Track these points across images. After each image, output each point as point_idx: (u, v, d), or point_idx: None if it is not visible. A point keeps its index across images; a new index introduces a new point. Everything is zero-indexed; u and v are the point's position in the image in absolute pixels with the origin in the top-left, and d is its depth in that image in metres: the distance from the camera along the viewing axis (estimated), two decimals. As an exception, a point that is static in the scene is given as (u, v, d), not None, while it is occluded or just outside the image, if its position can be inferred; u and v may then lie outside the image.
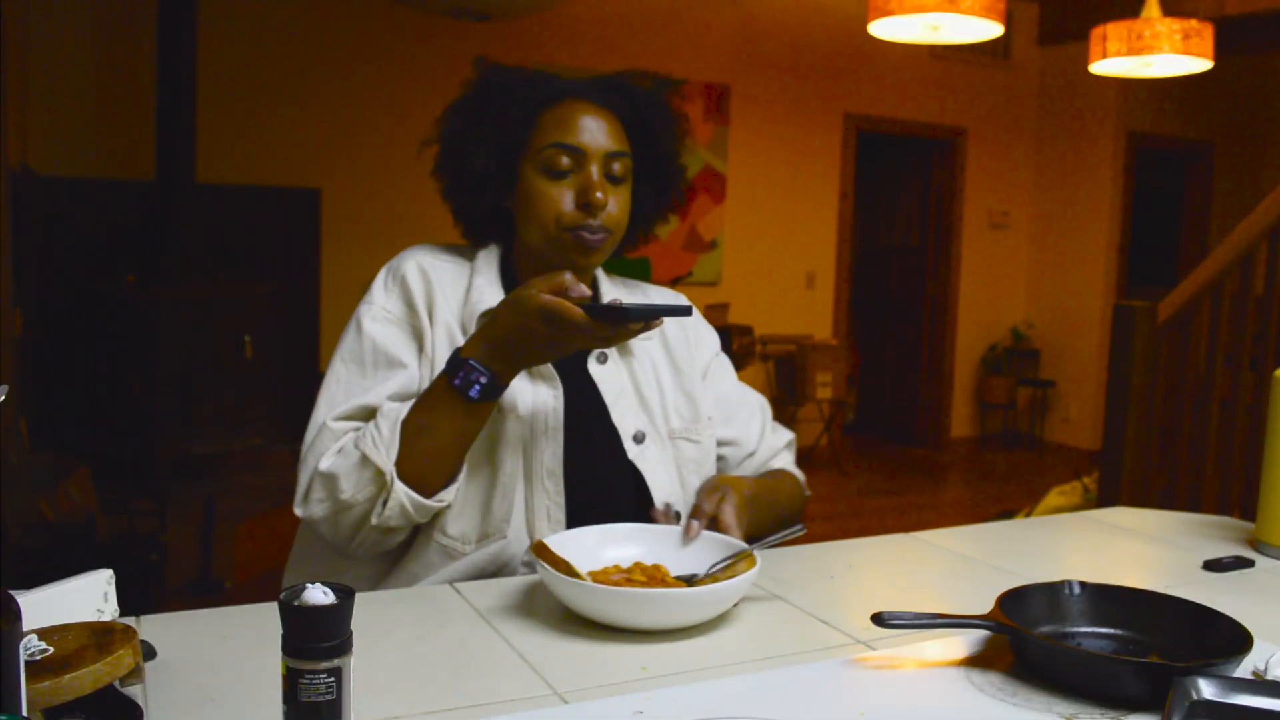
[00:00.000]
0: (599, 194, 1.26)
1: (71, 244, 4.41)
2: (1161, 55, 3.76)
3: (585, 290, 1.12)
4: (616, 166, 1.29)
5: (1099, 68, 3.98)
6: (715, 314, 5.75)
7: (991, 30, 3.30)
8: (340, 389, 1.26)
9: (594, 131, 1.28)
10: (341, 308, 5.49)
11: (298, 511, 1.23)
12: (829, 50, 6.28)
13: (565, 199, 1.27)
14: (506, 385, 1.19)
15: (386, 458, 1.16)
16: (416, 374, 1.27)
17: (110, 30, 4.54)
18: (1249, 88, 6.99)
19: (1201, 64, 3.86)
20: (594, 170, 1.28)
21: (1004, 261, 7.20)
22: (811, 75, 6.31)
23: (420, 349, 1.29)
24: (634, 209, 1.35)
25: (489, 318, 1.18)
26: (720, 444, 1.46)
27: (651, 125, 1.34)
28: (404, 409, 1.19)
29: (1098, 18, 4.13)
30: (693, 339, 1.46)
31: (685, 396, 1.42)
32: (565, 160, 1.27)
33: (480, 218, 1.36)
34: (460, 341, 1.28)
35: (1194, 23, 3.74)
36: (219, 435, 4.29)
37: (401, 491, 1.16)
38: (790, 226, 6.42)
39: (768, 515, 1.37)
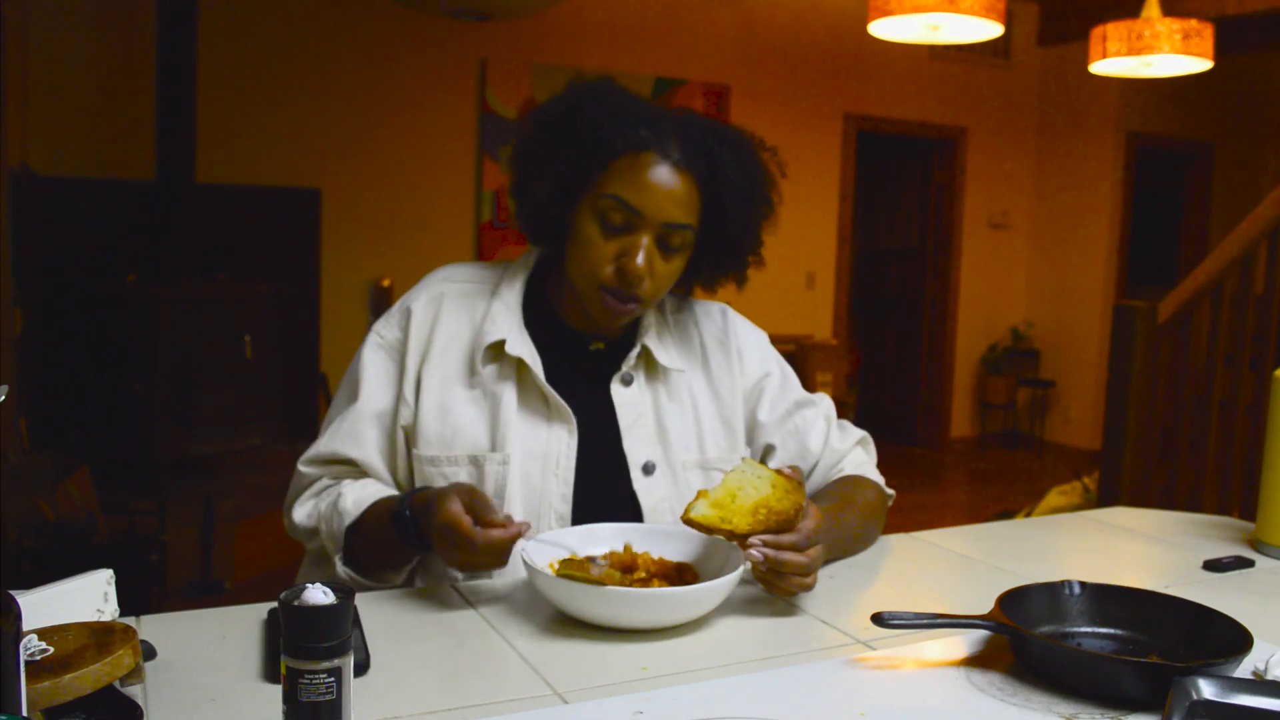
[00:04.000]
0: (639, 263, 1.20)
1: (71, 244, 4.41)
2: (1161, 55, 3.76)
3: (507, 522, 1.06)
4: (675, 238, 1.22)
5: (1099, 68, 3.98)
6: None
7: (991, 30, 3.30)
8: (334, 413, 1.30)
9: (659, 196, 1.20)
10: (341, 308, 5.52)
11: (284, 524, 1.31)
12: (829, 50, 6.28)
13: (607, 257, 1.21)
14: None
15: (334, 547, 1.21)
16: (391, 407, 1.27)
17: (110, 30, 4.54)
18: (1249, 88, 6.99)
19: (1201, 64, 3.86)
20: (645, 238, 1.21)
21: (1004, 261, 7.20)
22: (811, 75, 6.31)
23: (403, 380, 1.28)
24: (687, 273, 1.29)
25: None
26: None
27: (725, 203, 1.24)
28: (359, 506, 1.20)
29: (1098, 18, 4.13)
30: (736, 365, 1.39)
31: (724, 424, 1.36)
32: (620, 217, 1.21)
33: (538, 227, 1.32)
34: (461, 373, 1.27)
35: (1194, 23, 3.74)
36: (219, 435, 4.28)
37: (344, 574, 1.21)
38: (790, 226, 6.41)
39: (842, 541, 1.27)
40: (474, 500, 1.06)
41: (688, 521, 1.08)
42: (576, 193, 1.24)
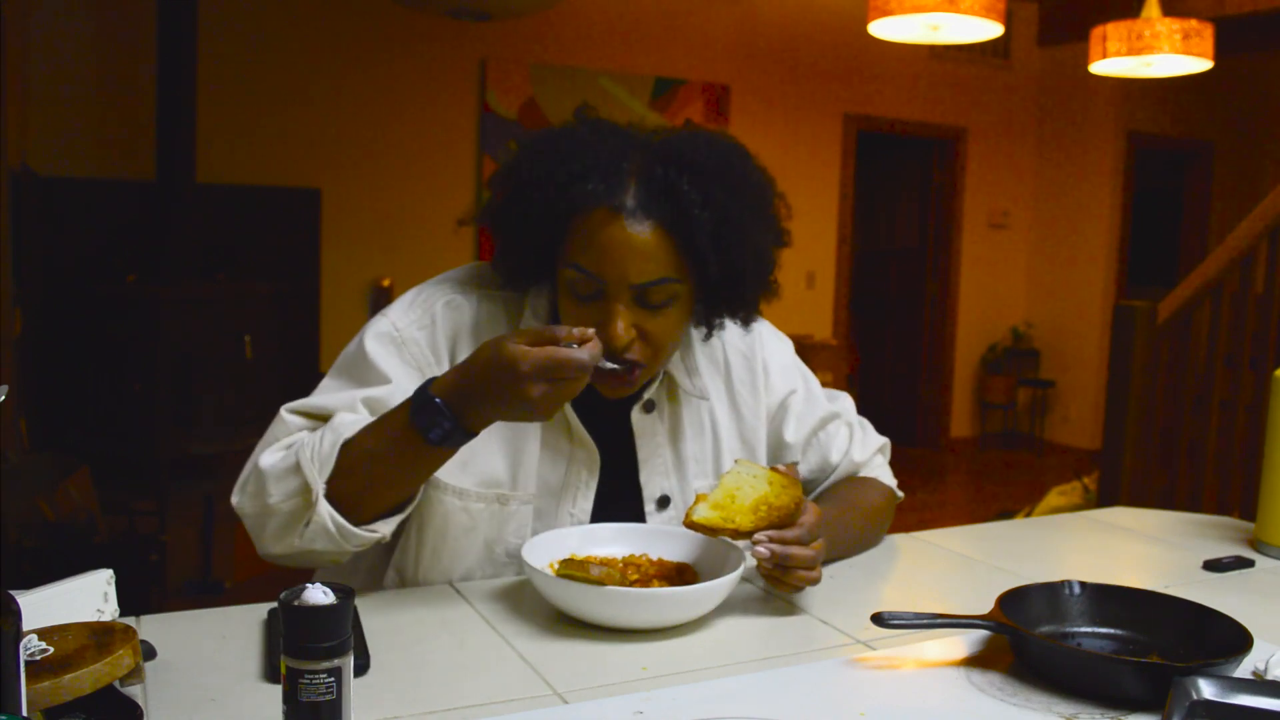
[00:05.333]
0: (618, 332, 1.09)
1: (71, 244, 4.41)
2: (1161, 55, 3.77)
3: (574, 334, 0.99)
4: (654, 295, 1.10)
5: (1099, 68, 3.98)
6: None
7: (991, 30, 3.30)
8: (330, 386, 1.20)
9: (620, 256, 1.08)
10: (341, 308, 5.52)
11: (232, 500, 1.15)
12: (829, 50, 6.28)
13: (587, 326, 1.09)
14: (476, 434, 1.04)
15: (318, 474, 1.05)
16: (387, 400, 1.14)
17: (110, 30, 4.54)
18: (1249, 88, 6.99)
19: (1201, 64, 3.86)
20: (618, 304, 1.09)
21: (1004, 261, 7.20)
22: (811, 75, 6.31)
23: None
24: (698, 315, 1.19)
25: (470, 358, 1.03)
26: (811, 479, 1.37)
27: (698, 244, 1.09)
28: (354, 425, 1.08)
29: (1098, 18, 4.13)
30: (760, 382, 1.34)
31: (743, 444, 1.32)
32: (585, 287, 1.10)
33: (529, 285, 1.22)
34: None
35: (1194, 23, 3.74)
36: (219, 435, 4.28)
37: (326, 514, 1.05)
38: (790, 226, 6.41)
39: (843, 538, 1.27)
40: (544, 334, 0.98)
41: (691, 525, 1.08)
42: (550, 258, 1.16)
